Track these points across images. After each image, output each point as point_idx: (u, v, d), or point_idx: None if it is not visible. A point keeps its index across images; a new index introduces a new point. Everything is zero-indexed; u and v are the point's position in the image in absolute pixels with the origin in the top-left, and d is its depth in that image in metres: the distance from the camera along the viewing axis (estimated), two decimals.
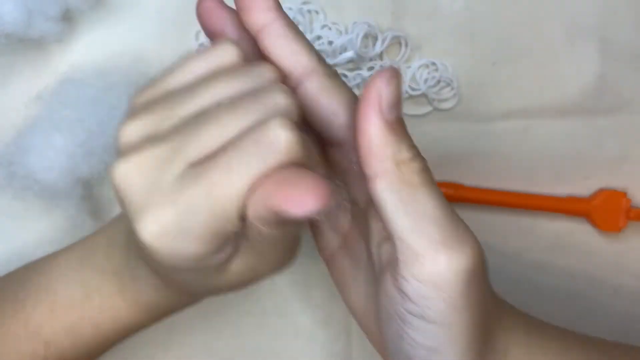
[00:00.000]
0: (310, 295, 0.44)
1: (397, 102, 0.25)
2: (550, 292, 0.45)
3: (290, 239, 0.28)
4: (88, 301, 0.32)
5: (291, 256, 0.28)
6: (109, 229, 0.33)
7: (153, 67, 0.43)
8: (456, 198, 0.43)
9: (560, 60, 0.44)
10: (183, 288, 0.29)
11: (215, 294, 0.29)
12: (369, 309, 0.30)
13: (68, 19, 0.42)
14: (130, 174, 0.24)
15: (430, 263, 0.25)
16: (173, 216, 0.23)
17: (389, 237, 0.26)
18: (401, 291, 0.25)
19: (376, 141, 0.25)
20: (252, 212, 0.23)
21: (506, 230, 0.45)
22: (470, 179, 0.44)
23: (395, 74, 0.25)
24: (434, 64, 0.44)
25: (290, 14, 0.43)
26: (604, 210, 0.44)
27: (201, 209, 0.23)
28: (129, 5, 0.43)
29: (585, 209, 0.44)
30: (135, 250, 0.30)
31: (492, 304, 0.28)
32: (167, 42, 0.43)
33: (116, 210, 0.43)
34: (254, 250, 0.26)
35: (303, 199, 0.22)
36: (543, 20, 0.45)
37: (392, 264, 0.26)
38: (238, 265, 0.27)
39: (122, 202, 0.24)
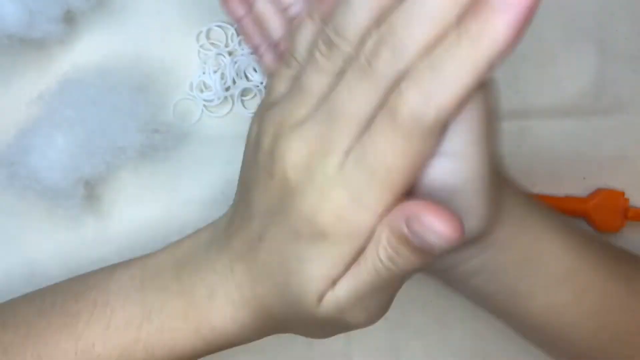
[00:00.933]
0: None
1: None
2: None
3: (394, 290, 0.28)
4: (146, 322, 0.30)
5: (383, 312, 0.29)
6: (174, 252, 0.32)
7: (154, 68, 0.43)
8: None
9: (559, 61, 0.45)
10: (275, 315, 0.29)
11: (299, 332, 0.30)
12: None
13: (69, 19, 0.42)
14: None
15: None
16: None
17: None
18: None
19: None
20: (392, 228, 0.24)
21: None
22: None
23: None
24: None
25: None
26: (602, 210, 0.44)
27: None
28: (131, 6, 0.43)
29: (584, 209, 0.44)
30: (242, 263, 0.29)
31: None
32: (168, 43, 0.43)
33: (118, 210, 0.43)
34: (371, 280, 0.26)
35: (451, 223, 0.23)
36: (541, 21, 0.45)
37: None
38: (346, 289, 0.26)
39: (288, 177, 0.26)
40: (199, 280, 0.30)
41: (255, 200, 0.28)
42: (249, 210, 0.28)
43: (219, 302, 0.30)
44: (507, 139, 0.45)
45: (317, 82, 0.25)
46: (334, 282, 0.26)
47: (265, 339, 0.45)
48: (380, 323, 0.44)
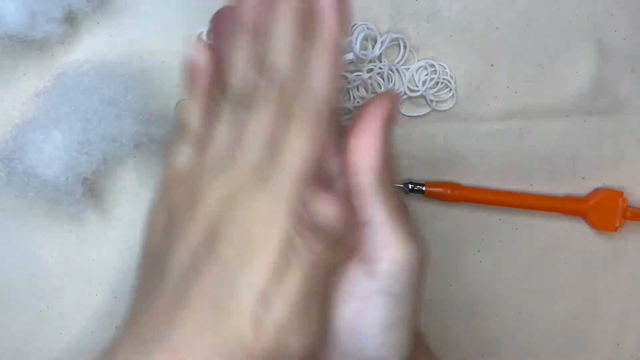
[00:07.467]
0: None
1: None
2: (546, 291, 0.46)
3: (323, 302, 0.29)
4: None
5: (318, 337, 0.29)
6: None
7: (155, 69, 0.43)
8: (454, 198, 0.44)
9: (557, 62, 0.45)
10: None
11: None
12: None
13: (71, 20, 0.42)
14: None
15: (402, 248, 0.29)
16: None
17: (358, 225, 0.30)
18: (371, 272, 0.29)
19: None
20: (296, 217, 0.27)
21: (503, 229, 0.45)
22: (468, 179, 0.45)
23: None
24: (432, 65, 0.44)
25: None
26: (601, 210, 0.44)
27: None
28: (132, 6, 0.43)
29: (582, 209, 0.44)
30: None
31: None
32: (169, 44, 0.43)
33: (119, 210, 0.43)
34: (300, 282, 0.27)
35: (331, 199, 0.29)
36: (540, 22, 0.45)
37: (362, 251, 0.30)
38: (281, 304, 0.27)
39: None
40: None
41: (175, 257, 0.28)
42: (161, 276, 0.28)
43: None
44: (506, 139, 0.45)
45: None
46: (267, 301, 0.26)
47: None
48: None
